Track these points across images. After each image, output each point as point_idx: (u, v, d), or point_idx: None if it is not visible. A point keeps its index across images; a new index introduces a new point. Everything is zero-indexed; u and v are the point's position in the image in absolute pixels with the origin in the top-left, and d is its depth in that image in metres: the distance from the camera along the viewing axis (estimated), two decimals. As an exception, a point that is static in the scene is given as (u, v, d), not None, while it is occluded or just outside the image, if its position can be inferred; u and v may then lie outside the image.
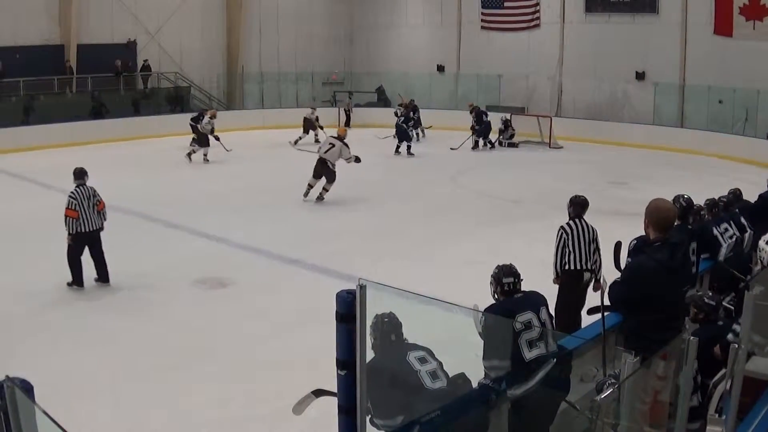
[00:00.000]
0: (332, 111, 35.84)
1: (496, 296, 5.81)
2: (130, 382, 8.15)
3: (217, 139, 24.76)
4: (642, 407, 4.32)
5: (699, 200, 9.82)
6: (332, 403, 4.27)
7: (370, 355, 4.47)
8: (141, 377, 8.28)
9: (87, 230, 11.33)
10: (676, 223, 6.79)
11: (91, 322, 10.01)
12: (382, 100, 37.92)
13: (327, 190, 17.86)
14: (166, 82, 34.31)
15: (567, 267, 9.00)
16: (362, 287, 3.67)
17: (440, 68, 37.86)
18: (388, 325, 5.11)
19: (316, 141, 28.02)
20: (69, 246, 11.34)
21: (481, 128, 28.29)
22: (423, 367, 4.87)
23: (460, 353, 5.50)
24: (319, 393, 5.25)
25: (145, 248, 13.69)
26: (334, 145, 17.78)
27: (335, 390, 4.16)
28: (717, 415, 4.69)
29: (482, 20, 35.76)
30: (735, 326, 5.78)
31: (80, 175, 11.78)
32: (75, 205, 11.27)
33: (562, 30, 32.99)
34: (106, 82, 31.36)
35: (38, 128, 26.59)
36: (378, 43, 40.16)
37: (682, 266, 5.53)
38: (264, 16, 37.44)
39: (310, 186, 17.91)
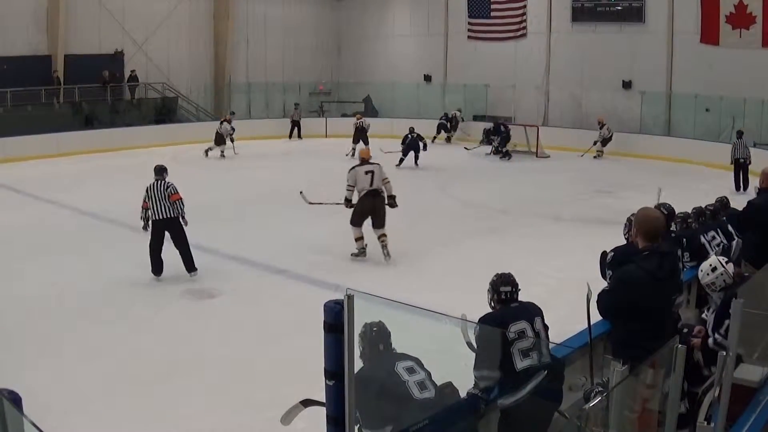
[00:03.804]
0: (320, 121, 35.97)
1: (492, 304, 5.81)
2: (119, 394, 8.11)
3: (232, 141, 28.28)
4: (630, 415, 4.32)
5: (686, 208, 9.85)
6: (321, 413, 4.25)
7: (358, 364, 4.47)
8: (129, 388, 8.24)
9: (157, 218, 12.41)
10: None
11: (80, 334, 9.95)
12: (369, 110, 37.98)
13: (386, 236, 13.88)
14: (154, 92, 34.27)
15: None
16: (350, 297, 3.67)
17: (427, 78, 37.96)
18: (377, 334, 5.10)
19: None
20: (150, 236, 12.57)
21: (501, 137, 29.13)
22: (411, 377, 4.87)
23: (448, 363, 5.49)
24: (307, 403, 5.23)
25: (134, 259, 13.63)
26: (373, 172, 13.78)
27: (324, 400, 4.15)
28: (706, 423, 4.70)
29: (469, 30, 35.86)
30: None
31: (158, 172, 12.76)
32: (145, 198, 12.54)
33: (548, 39, 33.11)
34: (93, 93, 31.31)
35: (25, 139, 26.48)
36: (365, 53, 40.24)
37: (670, 275, 5.53)
38: (251, 27, 37.47)
39: (361, 239, 13.92)
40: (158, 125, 32.49)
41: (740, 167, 21.69)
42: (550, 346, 5.64)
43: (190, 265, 12.44)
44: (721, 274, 6.42)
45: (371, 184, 13.63)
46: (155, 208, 12.26)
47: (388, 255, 13.71)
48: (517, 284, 5.83)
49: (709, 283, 6.51)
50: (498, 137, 29.18)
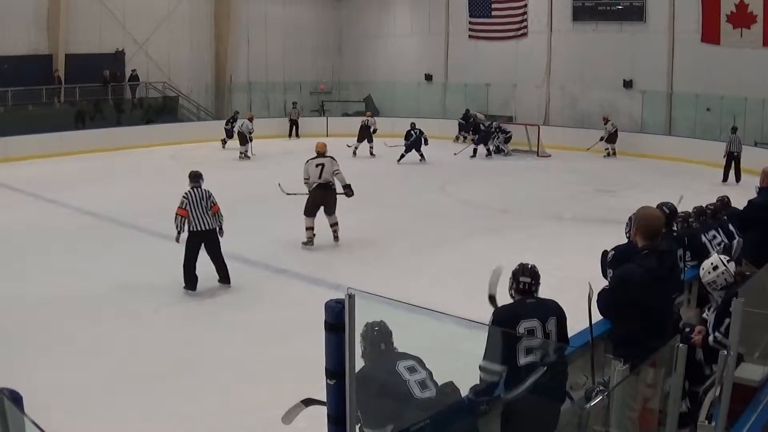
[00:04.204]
0: (321, 120, 35.99)
1: (512, 293, 5.84)
2: (119, 394, 8.11)
3: (251, 140, 28.03)
4: (631, 414, 4.32)
5: (687, 208, 9.85)
6: (322, 412, 4.25)
7: (359, 363, 4.46)
8: (130, 388, 8.24)
9: (198, 230, 11.58)
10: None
11: (80, 334, 9.96)
12: (370, 109, 37.99)
13: (337, 224, 14.76)
14: (154, 91, 34.27)
15: None
16: (351, 296, 3.66)
17: (428, 77, 37.95)
18: (378, 333, 5.09)
19: (372, 153, 28.81)
20: (186, 248, 11.68)
21: (480, 136, 28.96)
22: (412, 376, 4.86)
23: (450, 362, 5.49)
24: (308, 402, 5.23)
25: (134, 258, 13.66)
26: (323, 165, 14.48)
27: (324, 399, 4.14)
28: (707, 422, 4.70)
29: (470, 29, 35.84)
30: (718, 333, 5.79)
31: (195, 178, 12.00)
32: (185, 204, 11.54)
33: (549, 39, 33.10)
34: (94, 92, 31.31)
35: (26, 138, 26.47)
36: (366, 52, 40.23)
37: (670, 274, 5.53)
38: (252, 26, 37.49)
39: (311, 229, 14.63)
40: (159, 125, 32.45)
41: (733, 160, 23.04)
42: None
43: (226, 277, 12.03)
44: (722, 273, 6.40)
45: (320, 177, 14.40)
46: (196, 219, 11.54)
47: (336, 239, 14.77)
48: (538, 276, 5.85)
49: (710, 281, 6.49)
50: (476, 136, 29.26)
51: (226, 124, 30.53)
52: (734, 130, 23.94)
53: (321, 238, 15.06)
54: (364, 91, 39.42)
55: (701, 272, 6.60)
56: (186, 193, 11.66)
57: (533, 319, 5.55)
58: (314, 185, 14.44)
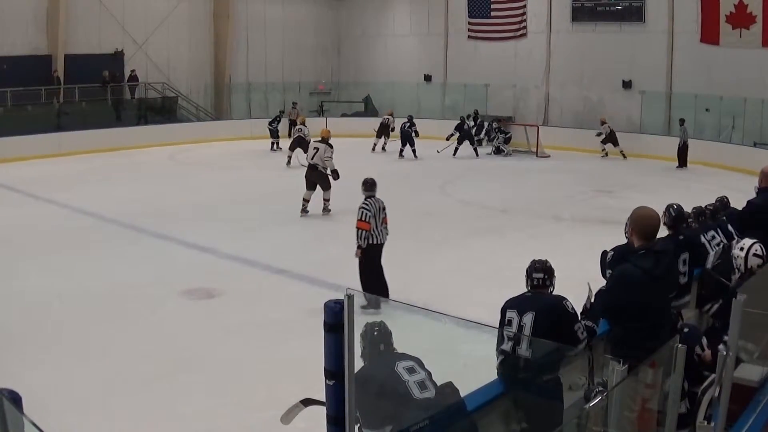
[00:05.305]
0: (320, 121, 35.93)
1: (528, 289, 6.00)
2: (118, 394, 8.11)
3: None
4: (630, 415, 4.32)
5: (686, 208, 9.84)
6: (321, 412, 4.25)
7: (359, 364, 4.46)
8: (128, 388, 8.24)
9: (377, 243, 11.00)
10: (667, 234, 6.80)
11: (80, 334, 9.95)
12: (369, 109, 38.05)
13: (328, 200, 17.13)
14: (154, 92, 34.20)
15: None
16: (350, 297, 3.67)
17: (427, 78, 37.92)
18: (378, 334, 5.10)
19: (384, 149, 29.83)
20: (360, 261, 11.02)
21: (461, 135, 28.92)
22: (411, 377, 4.86)
23: (449, 363, 5.49)
24: (307, 402, 5.23)
25: (133, 259, 13.65)
26: (318, 149, 16.92)
27: (324, 399, 4.15)
28: (706, 423, 4.69)
29: (469, 29, 35.83)
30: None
31: (371, 186, 11.35)
32: (368, 216, 10.86)
33: (548, 39, 33.09)
34: (93, 93, 31.25)
35: (25, 138, 26.47)
36: (365, 52, 40.22)
37: (666, 274, 5.52)
38: (251, 27, 37.43)
39: (306, 200, 17.03)
40: (158, 125, 32.42)
41: (687, 149, 25.87)
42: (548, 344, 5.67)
43: (386, 291, 10.86)
44: (737, 258, 6.47)
45: (312, 159, 16.99)
46: (377, 231, 10.95)
47: (324, 211, 17.25)
48: (551, 271, 6.02)
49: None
50: (457, 133, 29.14)
51: (270, 125, 30.50)
52: (683, 122, 26.34)
53: (320, 237, 15.10)
54: (363, 92, 39.36)
55: (734, 252, 6.69)
56: (365, 204, 10.99)
57: (513, 310, 5.78)
58: (307, 165, 17.09)
